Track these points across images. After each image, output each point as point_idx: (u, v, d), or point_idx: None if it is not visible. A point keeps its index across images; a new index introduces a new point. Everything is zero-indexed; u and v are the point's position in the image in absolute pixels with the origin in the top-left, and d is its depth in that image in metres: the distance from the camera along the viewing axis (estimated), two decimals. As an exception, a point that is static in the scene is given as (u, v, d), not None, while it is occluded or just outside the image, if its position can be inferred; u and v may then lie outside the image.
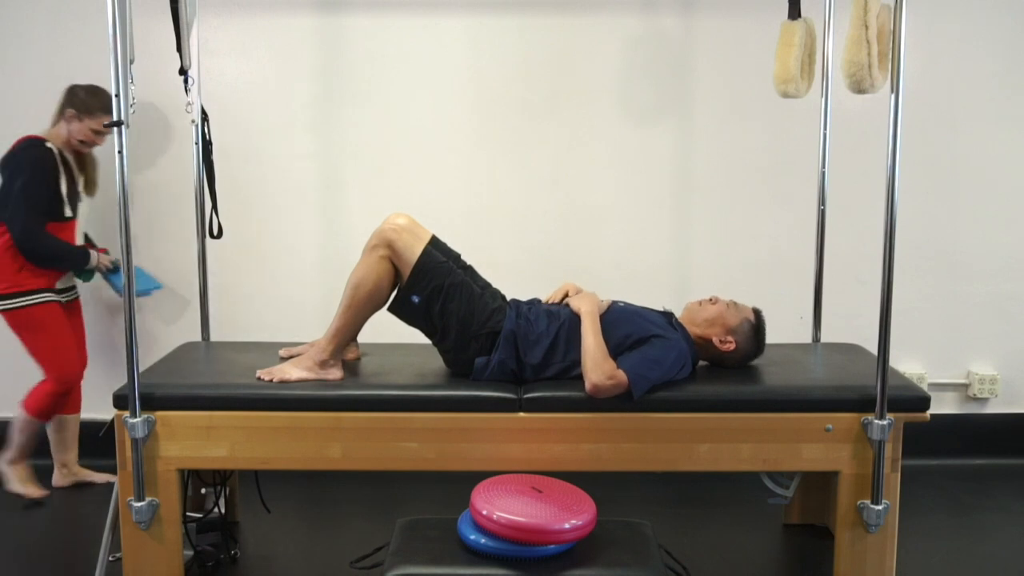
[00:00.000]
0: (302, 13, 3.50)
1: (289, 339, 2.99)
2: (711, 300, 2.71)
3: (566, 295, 2.75)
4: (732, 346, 2.65)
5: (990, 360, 3.73)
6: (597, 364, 2.44)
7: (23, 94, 3.51)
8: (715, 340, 2.66)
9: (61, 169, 3.19)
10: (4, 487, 3.33)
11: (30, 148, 3.15)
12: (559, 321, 2.59)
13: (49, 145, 3.17)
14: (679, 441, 2.50)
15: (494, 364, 2.55)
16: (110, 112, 3.12)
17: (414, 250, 2.52)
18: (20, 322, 3.20)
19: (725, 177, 3.61)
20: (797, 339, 3.21)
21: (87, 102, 3.18)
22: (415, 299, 2.53)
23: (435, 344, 2.63)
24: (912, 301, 3.62)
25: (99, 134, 3.21)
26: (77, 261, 3.23)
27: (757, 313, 2.71)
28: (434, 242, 2.59)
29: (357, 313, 2.55)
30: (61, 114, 3.22)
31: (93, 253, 3.25)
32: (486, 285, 2.68)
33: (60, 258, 3.20)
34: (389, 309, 2.59)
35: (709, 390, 2.55)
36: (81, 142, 3.22)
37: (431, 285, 2.52)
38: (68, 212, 3.21)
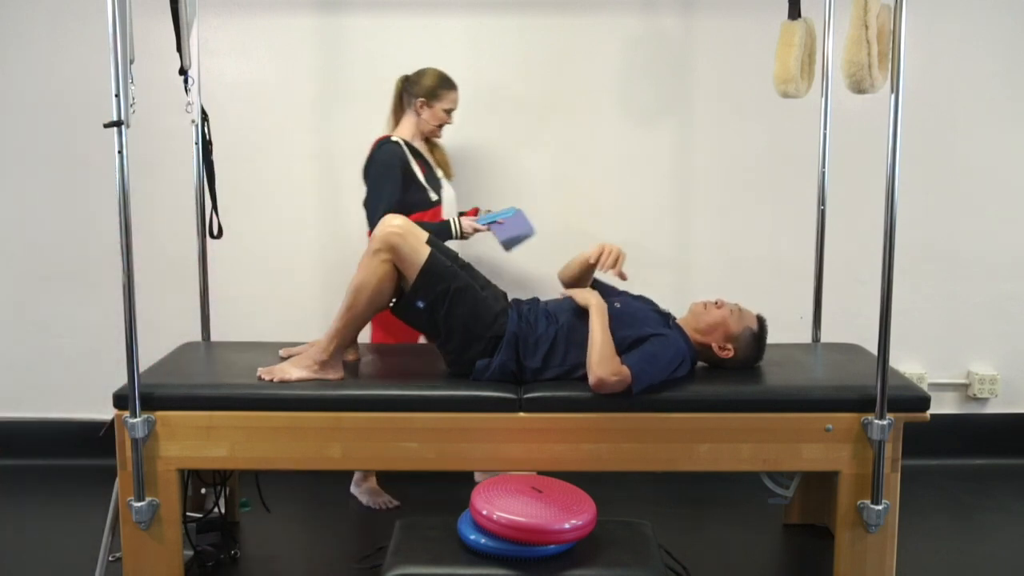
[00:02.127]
0: (302, 13, 3.50)
1: (289, 339, 2.99)
2: (716, 304, 2.69)
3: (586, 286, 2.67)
4: (730, 353, 2.65)
5: (990, 360, 3.73)
6: (604, 359, 2.43)
7: (24, 94, 3.51)
8: (714, 346, 2.66)
9: (412, 159, 3.17)
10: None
11: (378, 147, 3.16)
12: (556, 324, 2.59)
13: (395, 139, 3.18)
14: (679, 441, 2.50)
15: (495, 367, 2.54)
16: (453, 87, 3.18)
17: (418, 254, 2.50)
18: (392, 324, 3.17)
19: (725, 177, 3.61)
20: (797, 339, 3.20)
21: (432, 88, 3.18)
22: (420, 304, 2.53)
23: (437, 346, 2.63)
24: (912, 301, 3.62)
25: (449, 112, 3.21)
26: (437, 235, 3.11)
27: (761, 321, 2.70)
28: (432, 243, 2.59)
29: (358, 316, 2.55)
30: (402, 108, 3.23)
31: (452, 220, 3.15)
32: (486, 284, 2.67)
33: None
34: (393, 311, 2.59)
35: (709, 390, 2.55)
36: (437, 127, 3.21)
37: (436, 290, 2.51)
38: (433, 197, 3.18)
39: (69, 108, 3.50)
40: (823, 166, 3.12)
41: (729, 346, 2.65)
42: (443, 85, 3.19)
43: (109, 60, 2.27)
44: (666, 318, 2.68)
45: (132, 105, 2.35)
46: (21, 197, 3.58)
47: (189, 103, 2.92)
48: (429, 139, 3.30)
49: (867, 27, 2.46)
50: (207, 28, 3.34)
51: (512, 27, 3.53)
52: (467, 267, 2.67)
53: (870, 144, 3.23)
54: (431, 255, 2.51)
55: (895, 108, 2.38)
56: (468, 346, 2.56)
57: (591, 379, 2.44)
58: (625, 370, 2.43)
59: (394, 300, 2.60)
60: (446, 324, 2.54)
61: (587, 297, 2.60)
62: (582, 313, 2.59)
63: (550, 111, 3.57)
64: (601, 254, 2.67)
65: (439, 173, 3.28)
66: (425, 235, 2.59)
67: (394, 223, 2.53)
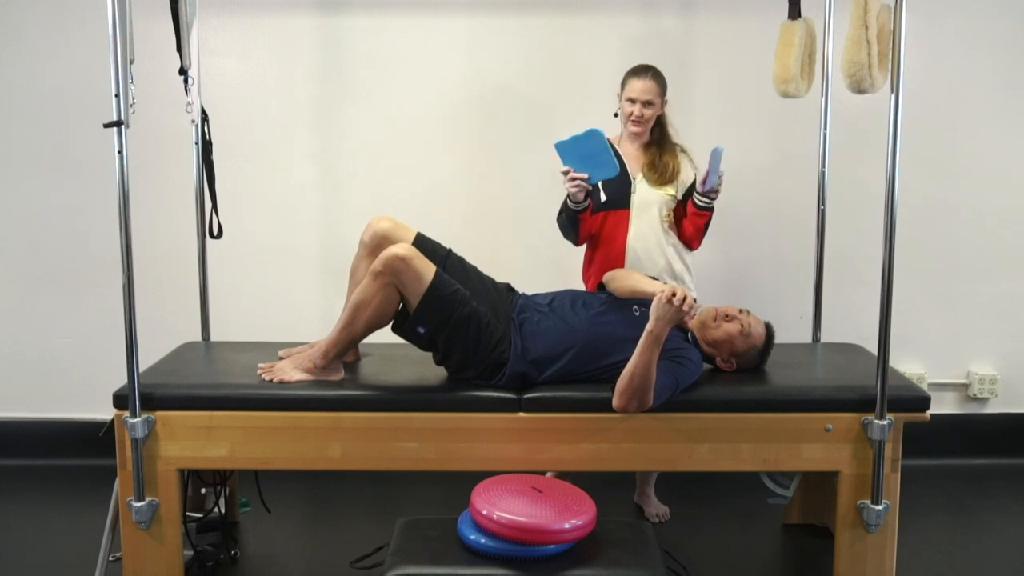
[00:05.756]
0: (302, 13, 3.50)
1: (289, 339, 2.99)
2: (726, 316, 2.65)
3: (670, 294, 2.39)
4: (733, 368, 2.68)
5: (990, 360, 3.73)
6: (637, 393, 2.38)
7: (23, 94, 3.51)
8: (718, 360, 2.68)
9: None
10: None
11: None
12: (573, 339, 2.55)
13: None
14: (679, 441, 2.50)
15: (495, 383, 2.55)
16: (636, 74, 2.98)
17: (422, 280, 2.44)
18: None
19: (725, 177, 3.60)
20: (797, 339, 3.20)
21: (622, 80, 3.03)
22: (420, 330, 2.51)
23: (436, 363, 2.62)
24: (912, 301, 3.62)
25: (632, 102, 2.98)
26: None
27: (769, 336, 2.68)
28: (420, 241, 2.59)
29: (356, 333, 2.54)
30: None
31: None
32: (492, 289, 2.67)
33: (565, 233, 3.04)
34: (392, 330, 2.58)
35: (709, 390, 2.55)
36: (627, 120, 3.02)
37: (437, 318, 2.48)
38: (602, 198, 2.99)
39: (69, 108, 3.50)
40: (823, 166, 3.12)
41: (733, 361, 2.67)
42: (627, 74, 3.03)
43: (109, 60, 2.27)
44: (684, 332, 2.66)
45: (132, 105, 2.35)
46: (21, 197, 3.57)
47: (189, 103, 2.92)
48: (650, 139, 3.08)
49: (867, 27, 2.46)
50: (207, 28, 3.34)
51: (512, 27, 3.52)
52: (459, 266, 2.66)
53: (870, 144, 3.23)
54: (435, 282, 2.46)
55: (895, 108, 2.38)
56: (465, 368, 2.55)
57: (616, 402, 2.41)
58: (650, 401, 2.41)
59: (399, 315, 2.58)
60: (445, 347, 2.53)
61: (657, 327, 2.37)
62: (612, 315, 2.58)
63: (550, 111, 3.56)
64: (675, 294, 2.36)
65: (636, 174, 3.05)
66: (411, 234, 2.61)
67: (398, 248, 2.47)
